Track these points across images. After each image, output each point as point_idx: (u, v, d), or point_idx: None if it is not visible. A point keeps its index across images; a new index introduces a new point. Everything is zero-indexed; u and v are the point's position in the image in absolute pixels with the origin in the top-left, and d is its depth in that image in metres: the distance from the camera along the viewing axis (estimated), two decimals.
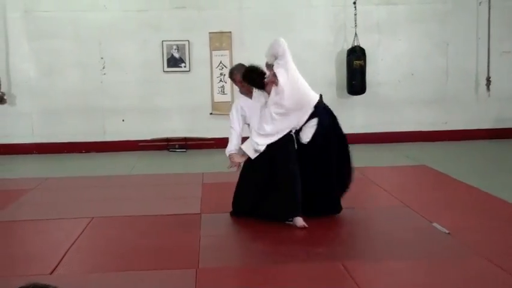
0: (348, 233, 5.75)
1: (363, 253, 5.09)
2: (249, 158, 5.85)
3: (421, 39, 11.26)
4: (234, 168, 6.01)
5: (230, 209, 6.38)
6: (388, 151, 10.32)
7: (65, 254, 5.11)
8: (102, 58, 10.88)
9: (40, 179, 8.36)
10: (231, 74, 6.11)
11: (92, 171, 9.13)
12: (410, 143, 10.95)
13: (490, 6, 11.07)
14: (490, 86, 11.21)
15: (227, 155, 5.97)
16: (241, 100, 6.11)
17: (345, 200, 6.66)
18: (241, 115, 5.98)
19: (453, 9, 11.21)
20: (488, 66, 11.18)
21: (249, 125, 6.03)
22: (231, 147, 5.95)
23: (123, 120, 10.95)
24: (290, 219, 5.77)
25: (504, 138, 11.24)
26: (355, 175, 8.28)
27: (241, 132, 6.00)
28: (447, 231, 5.41)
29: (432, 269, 4.58)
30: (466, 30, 11.20)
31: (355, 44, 10.87)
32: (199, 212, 6.42)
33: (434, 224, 5.49)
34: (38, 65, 10.84)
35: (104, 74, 10.91)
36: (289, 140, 5.85)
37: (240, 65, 6.10)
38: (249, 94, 6.00)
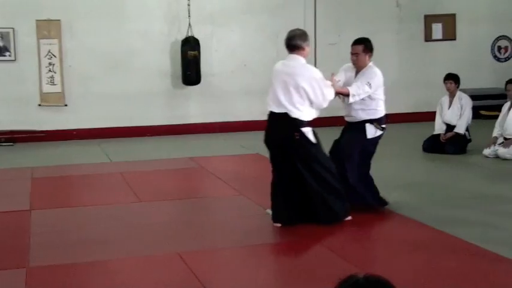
0: (185, 222, 5.77)
1: (199, 243, 5.12)
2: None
3: (253, 31, 11.53)
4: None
5: (64, 204, 6.13)
6: (223, 141, 10.49)
7: None
8: None
9: None
10: None
11: None
12: (244, 132, 11.20)
13: (315, 1, 11.59)
14: None
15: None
16: None
17: (183, 191, 6.65)
18: None
19: (283, 2, 11.59)
20: (315, 57, 11.69)
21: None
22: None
23: None
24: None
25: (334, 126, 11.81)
26: (191, 166, 8.36)
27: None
28: None
29: (265, 255, 4.73)
30: (294, 22, 11.59)
31: (189, 35, 10.90)
32: (28, 208, 6.12)
33: (268, 211, 5.65)
34: None
35: None
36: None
37: None
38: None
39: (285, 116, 5.26)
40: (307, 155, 5.30)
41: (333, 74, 5.67)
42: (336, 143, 5.92)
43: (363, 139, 5.76)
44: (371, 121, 5.77)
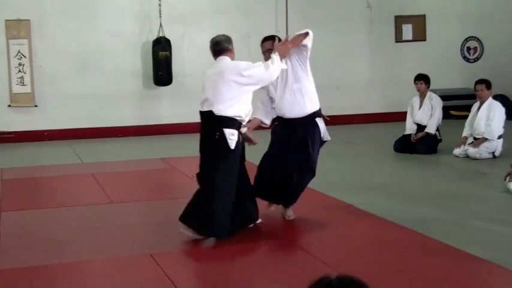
0: (157, 223, 5.74)
1: (171, 244, 5.09)
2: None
3: (224, 31, 11.44)
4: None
5: (34, 205, 6.04)
6: (195, 141, 10.41)
7: None
8: None
9: None
10: None
11: None
12: None
13: (287, 2, 11.62)
14: None
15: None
16: None
17: (155, 191, 6.58)
18: None
19: (254, 3, 11.60)
20: None
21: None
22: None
23: None
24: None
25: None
26: (163, 166, 8.32)
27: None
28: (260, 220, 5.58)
29: (239, 256, 4.72)
30: (266, 23, 11.65)
31: (161, 35, 10.86)
32: None
33: None
34: None
35: None
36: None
37: None
38: None
39: (210, 114, 5.10)
40: (216, 157, 5.06)
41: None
42: (289, 147, 5.55)
43: (320, 139, 5.57)
44: (317, 115, 5.57)
